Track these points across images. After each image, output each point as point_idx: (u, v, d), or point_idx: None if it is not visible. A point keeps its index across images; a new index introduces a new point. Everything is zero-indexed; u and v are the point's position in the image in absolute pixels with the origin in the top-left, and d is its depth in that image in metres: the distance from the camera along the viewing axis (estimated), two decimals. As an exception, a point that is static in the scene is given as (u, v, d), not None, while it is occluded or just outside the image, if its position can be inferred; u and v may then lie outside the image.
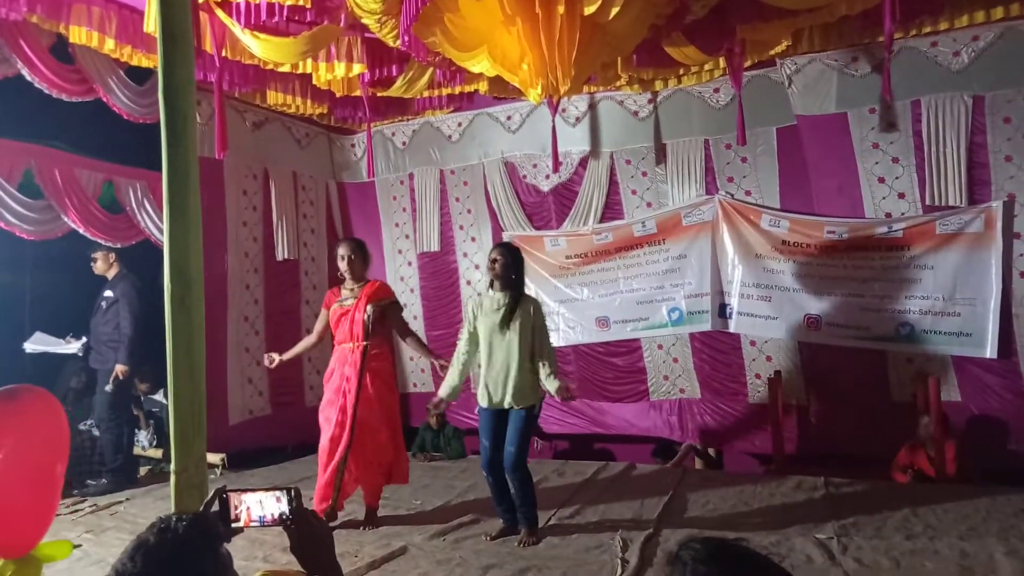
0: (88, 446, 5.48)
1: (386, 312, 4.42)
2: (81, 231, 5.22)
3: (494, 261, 4.09)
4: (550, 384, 4.04)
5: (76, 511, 4.75)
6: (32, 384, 2.13)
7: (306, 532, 1.55)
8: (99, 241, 5.34)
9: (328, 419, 4.36)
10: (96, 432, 5.50)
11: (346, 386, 4.32)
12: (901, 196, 5.46)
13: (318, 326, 4.62)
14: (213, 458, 5.35)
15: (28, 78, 4.75)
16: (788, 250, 5.72)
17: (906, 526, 4.01)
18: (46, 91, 4.85)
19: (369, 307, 4.32)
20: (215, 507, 1.66)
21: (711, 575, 1.03)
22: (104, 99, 5.16)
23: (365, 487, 4.42)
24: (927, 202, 5.31)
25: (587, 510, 4.57)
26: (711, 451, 6.50)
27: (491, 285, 4.17)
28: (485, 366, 4.11)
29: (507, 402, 4.02)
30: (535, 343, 4.04)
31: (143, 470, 5.79)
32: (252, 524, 1.64)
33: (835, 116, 5.53)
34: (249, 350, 6.43)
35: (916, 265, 5.34)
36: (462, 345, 4.24)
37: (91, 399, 5.56)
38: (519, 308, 4.04)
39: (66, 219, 5.14)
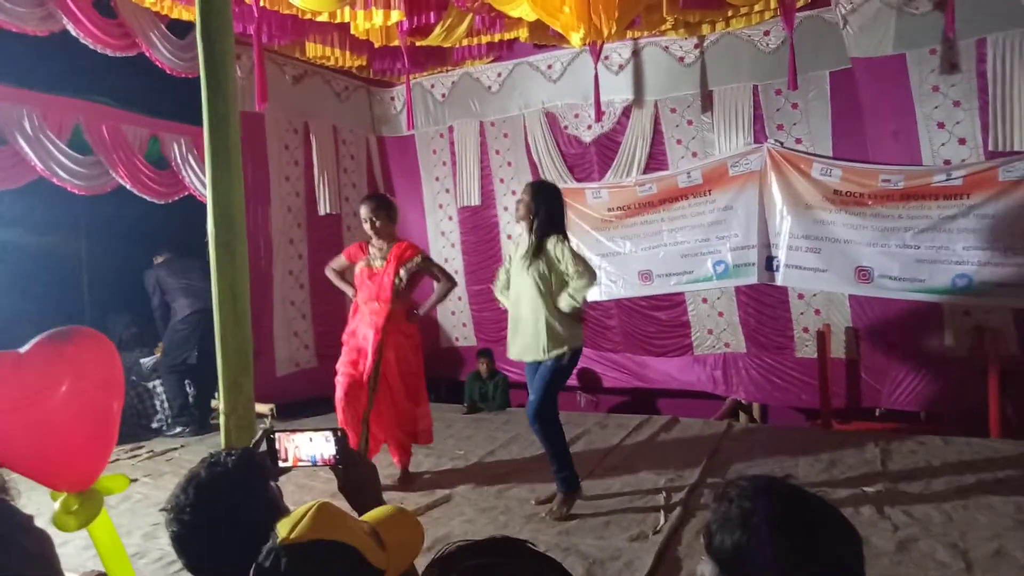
0: (137, 402, 5.64)
1: (421, 271, 4.21)
2: (128, 186, 5.30)
3: (518, 203, 3.70)
4: (562, 301, 3.60)
5: (135, 456, 4.94)
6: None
7: (353, 472, 1.56)
8: (145, 197, 5.42)
9: (342, 375, 4.19)
10: (151, 385, 5.69)
11: (366, 346, 4.12)
12: (962, 142, 5.20)
13: (334, 271, 4.40)
14: (262, 408, 5.47)
15: (73, 33, 4.79)
16: (840, 200, 5.52)
17: (959, 481, 3.90)
18: (90, 46, 4.89)
19: (402, 271, 4.10)
20: (263, 447, 1.69)
21: (756, 511, 1.01)
22: (147, 53, 5.19)
23: (393, 449, 4.31)
24: (990, 148, 5.06)
25: (630, 462, 4.56)
26: (755, 405, 6.43)
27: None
28: (510, 317, 3.81)
29: (529, 355, 3.70)
30: (558, 282, 3.62)
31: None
32: (301, 463, 1.66)
33: (892, 58, 5.26)
34: (295, 303, 6.52)
35: (976, 214, 5.09)
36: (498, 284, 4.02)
37: (140, 351, 5.73)
38: (542, 249, 3.62)
39: (114, 174, 5.22)
